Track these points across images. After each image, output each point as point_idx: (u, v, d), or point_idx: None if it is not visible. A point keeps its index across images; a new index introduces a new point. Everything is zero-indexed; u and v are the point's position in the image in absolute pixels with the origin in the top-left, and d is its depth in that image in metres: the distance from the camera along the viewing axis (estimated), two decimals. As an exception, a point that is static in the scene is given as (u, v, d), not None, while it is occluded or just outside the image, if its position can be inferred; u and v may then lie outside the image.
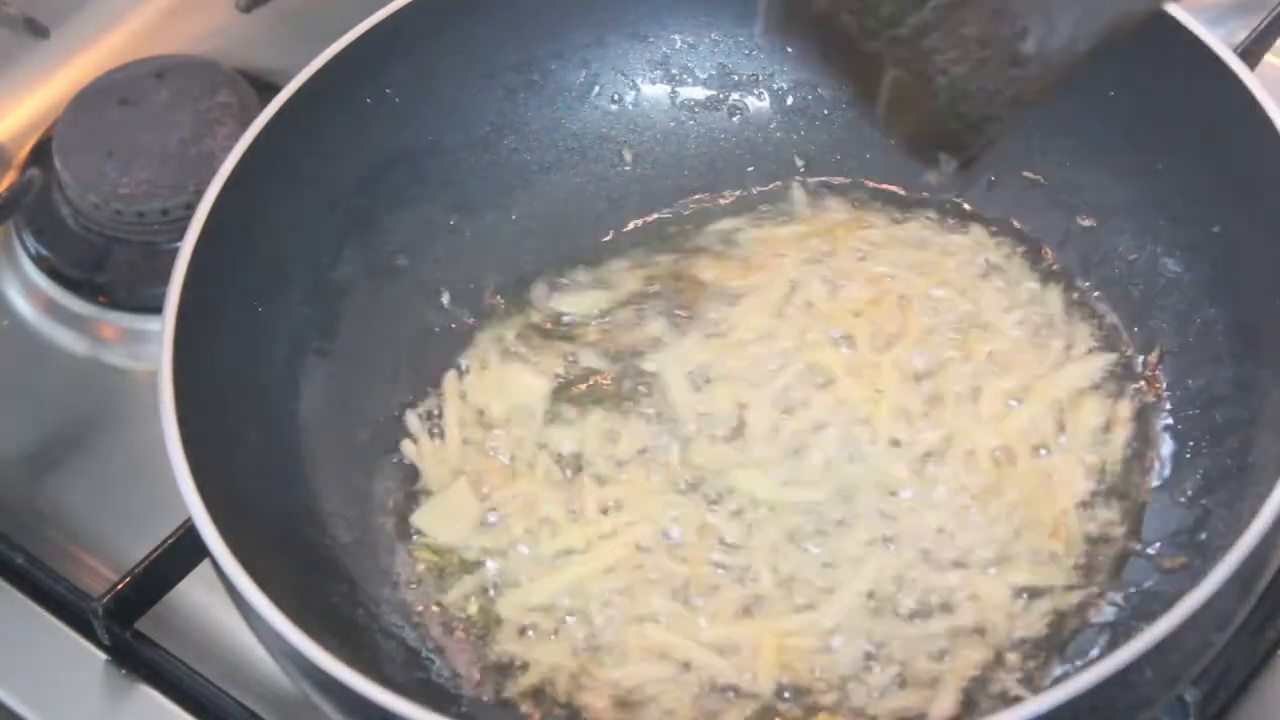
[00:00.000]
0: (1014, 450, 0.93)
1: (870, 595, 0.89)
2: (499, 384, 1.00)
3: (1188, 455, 0.92)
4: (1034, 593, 0.89)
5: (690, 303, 1.02)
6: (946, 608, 0.88)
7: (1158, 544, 0.89)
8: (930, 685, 0.86)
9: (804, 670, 0.87)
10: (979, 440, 0.94)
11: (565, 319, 1.02)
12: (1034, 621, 0.88)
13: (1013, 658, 0.87)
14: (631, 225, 1.06)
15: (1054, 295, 0.99)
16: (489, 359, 1.01)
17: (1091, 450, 0.93)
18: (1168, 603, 0.75)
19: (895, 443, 0.94)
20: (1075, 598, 0.88)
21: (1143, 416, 0.94)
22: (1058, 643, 0.87)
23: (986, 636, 0.87)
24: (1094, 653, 0.86)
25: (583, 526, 0.93)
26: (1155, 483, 0.92)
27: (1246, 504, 0.82)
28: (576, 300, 1.03)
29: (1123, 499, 0.92)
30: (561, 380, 1.00)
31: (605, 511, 0.94)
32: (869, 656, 0.87)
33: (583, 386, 0.99)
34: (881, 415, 0.95)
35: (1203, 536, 0.87)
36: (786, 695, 0.87)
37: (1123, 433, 0.94)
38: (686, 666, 0.88)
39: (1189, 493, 0.90)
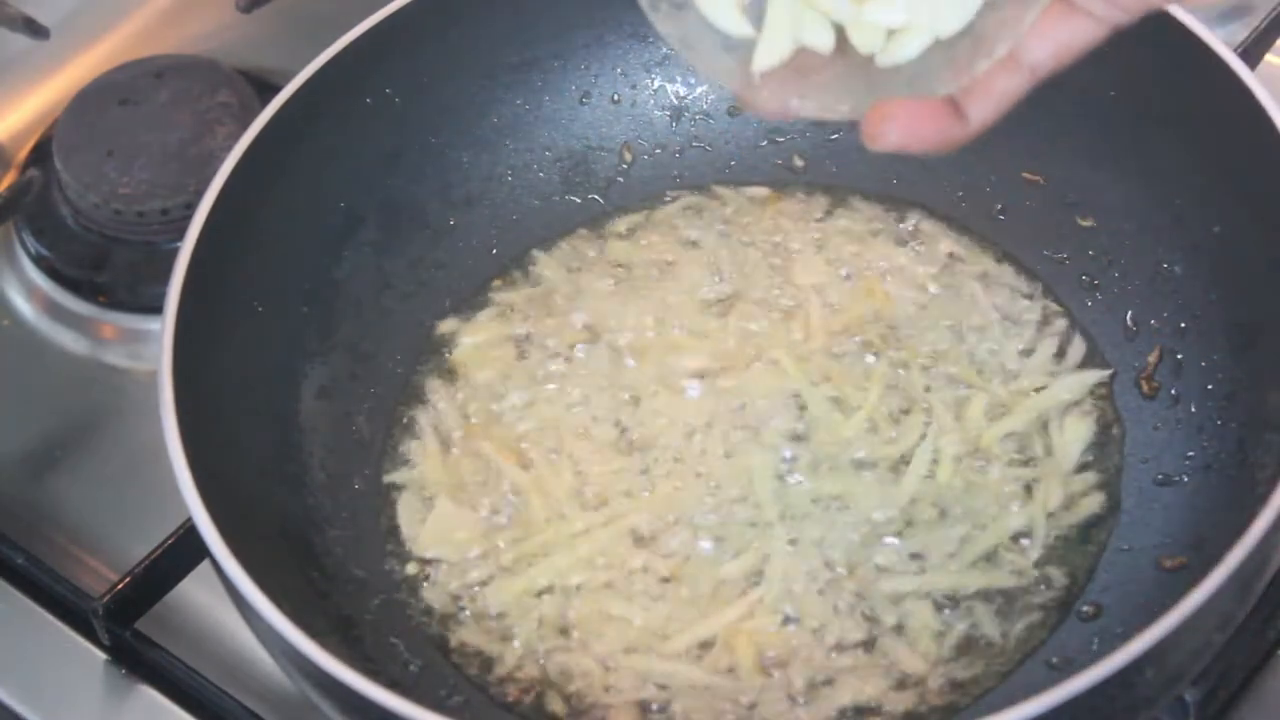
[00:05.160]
0: (991, 455, 0.94)
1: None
2: (490, 373, 1.00)
3: (1187, 455, 0.92)
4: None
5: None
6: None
7: (1158, 543, 0.89)
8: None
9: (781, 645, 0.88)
10: (954, 447, 0.94)
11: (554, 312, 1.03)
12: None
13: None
14: (631, 224, 1.06)
15: (1050, 297, 1.00)
16: (480, 351, 1.01)
17: (1074, 466, 0.93)
18: (1167, 603, 0.75)
19: (867, 450, 0.94)
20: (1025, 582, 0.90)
21: (1134, 422, 0.94)
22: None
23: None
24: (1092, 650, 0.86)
25: (570, 520, 0.93)
26: (1152, 485, 0.92)
27: (1246, 504, 0.82)
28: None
29: (1106, 512, 0.92)
30: (546, 370, 1.00)
31: (589, 504, 0.94)
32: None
33: (563, 373, 1.00)
34: (857, 422, 0.95)
35: (1203, 537, 0.87)
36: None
37: (1112, 445, 0.94)
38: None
39: (1188, 492, 0.90)
